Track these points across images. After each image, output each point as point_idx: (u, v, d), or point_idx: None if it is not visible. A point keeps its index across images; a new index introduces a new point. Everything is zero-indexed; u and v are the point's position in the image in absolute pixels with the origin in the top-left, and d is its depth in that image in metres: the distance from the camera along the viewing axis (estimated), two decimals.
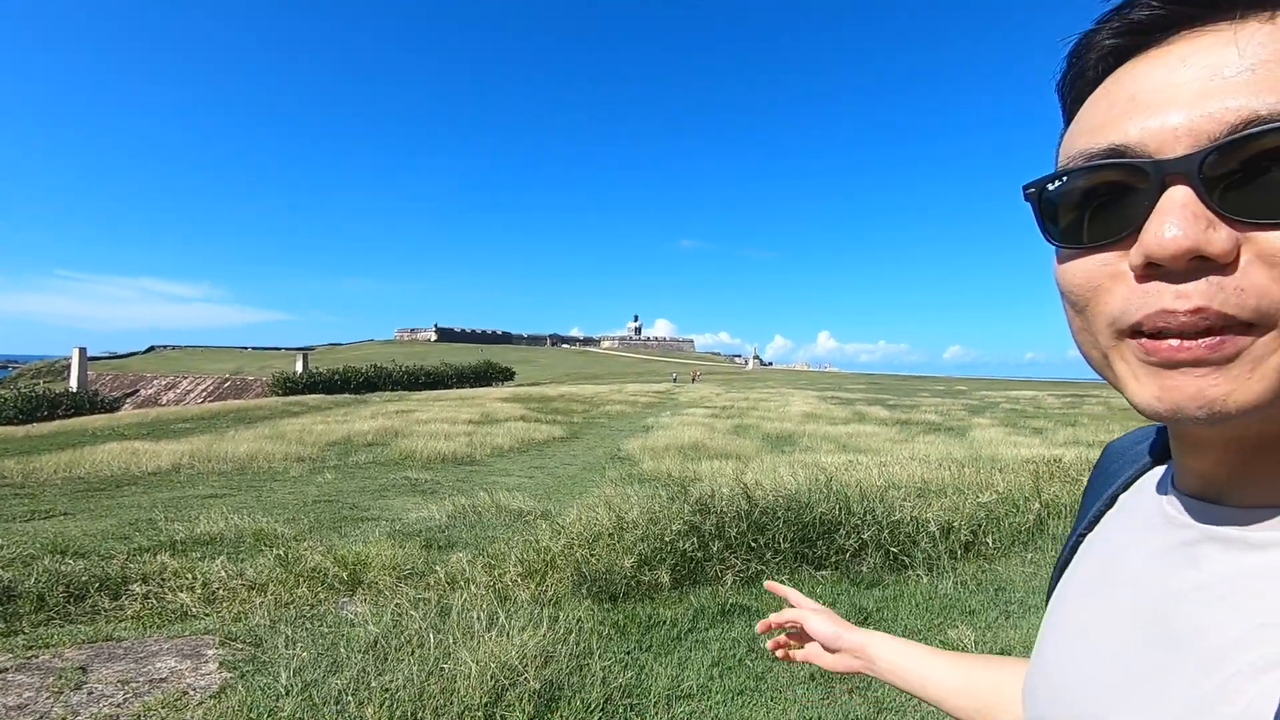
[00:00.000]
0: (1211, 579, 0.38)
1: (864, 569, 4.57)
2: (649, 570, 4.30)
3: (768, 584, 0.97)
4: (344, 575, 4.30)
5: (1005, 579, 4.46)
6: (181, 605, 3.89)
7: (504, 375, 54.18)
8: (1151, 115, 0.36)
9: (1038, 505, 5.59)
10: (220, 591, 4.05)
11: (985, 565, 4.74)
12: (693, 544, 4.48)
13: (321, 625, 3.58)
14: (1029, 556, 4.90)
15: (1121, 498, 0.54)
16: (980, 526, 5.20)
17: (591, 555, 4.38)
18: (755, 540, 4.59)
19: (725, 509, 4.78)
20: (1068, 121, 0.43)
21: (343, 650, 3.12)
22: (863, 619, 3.84)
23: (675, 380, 56.09)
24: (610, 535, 4.63)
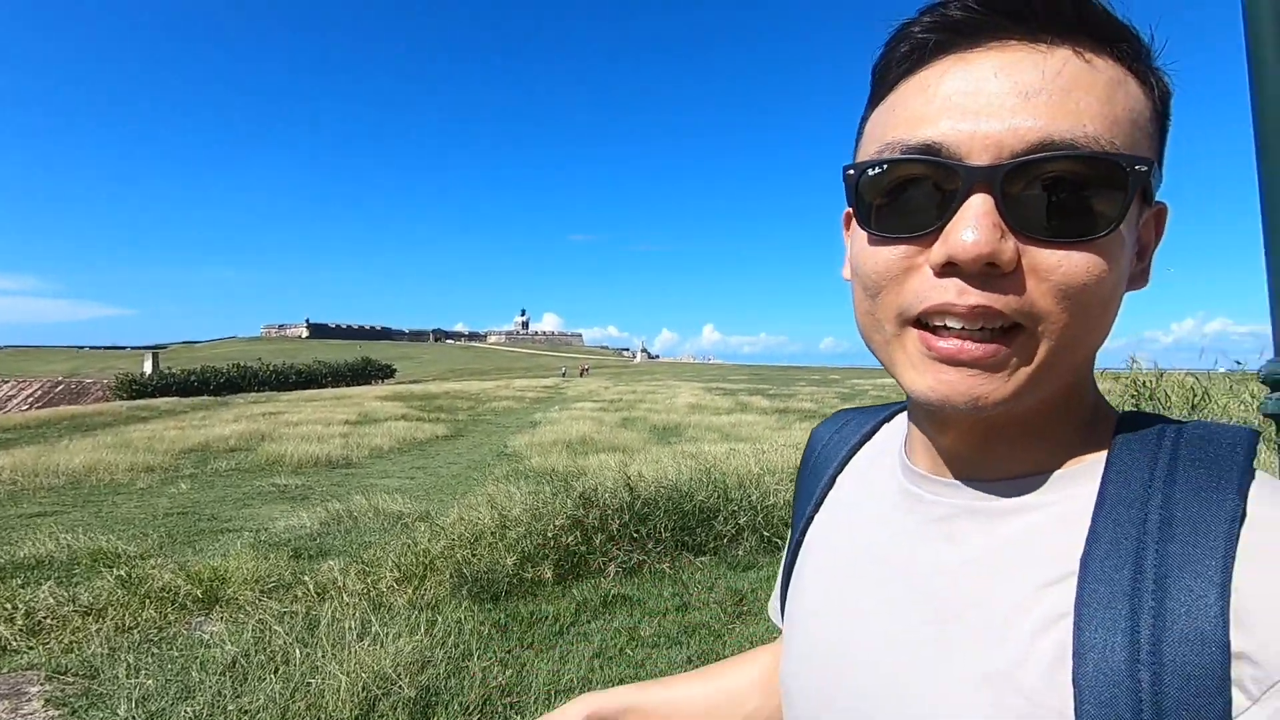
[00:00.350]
0: (975, 551, 0.41)
1: (740, 552, 4.77)
2: (532, 567, 4.28)
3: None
4: (198, 593, 3.97)
5: None
6: None
7: (384, 373, 51.80)
8: (964, 119, 0.37)
9: None
10: (47, 621, 3.63)
11: None
12: (576, 538, 4.50)
13: (171, 649, 3.30)
14: None
15: (839, 479, 0.57)
16: None
17: (473, 555, 4.30)
18: (637, 531, 4.68)
19: (608, 502, 4.83)
20: (874, 104, 0.44)
21: (195, 674, 2.89)
22: (738, 600, 4.01)
23: (564, 375, 55.90)
24: (493, 534, 4.56)
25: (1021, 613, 0.38)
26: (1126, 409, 0.46)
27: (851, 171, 0.42)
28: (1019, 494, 0.41)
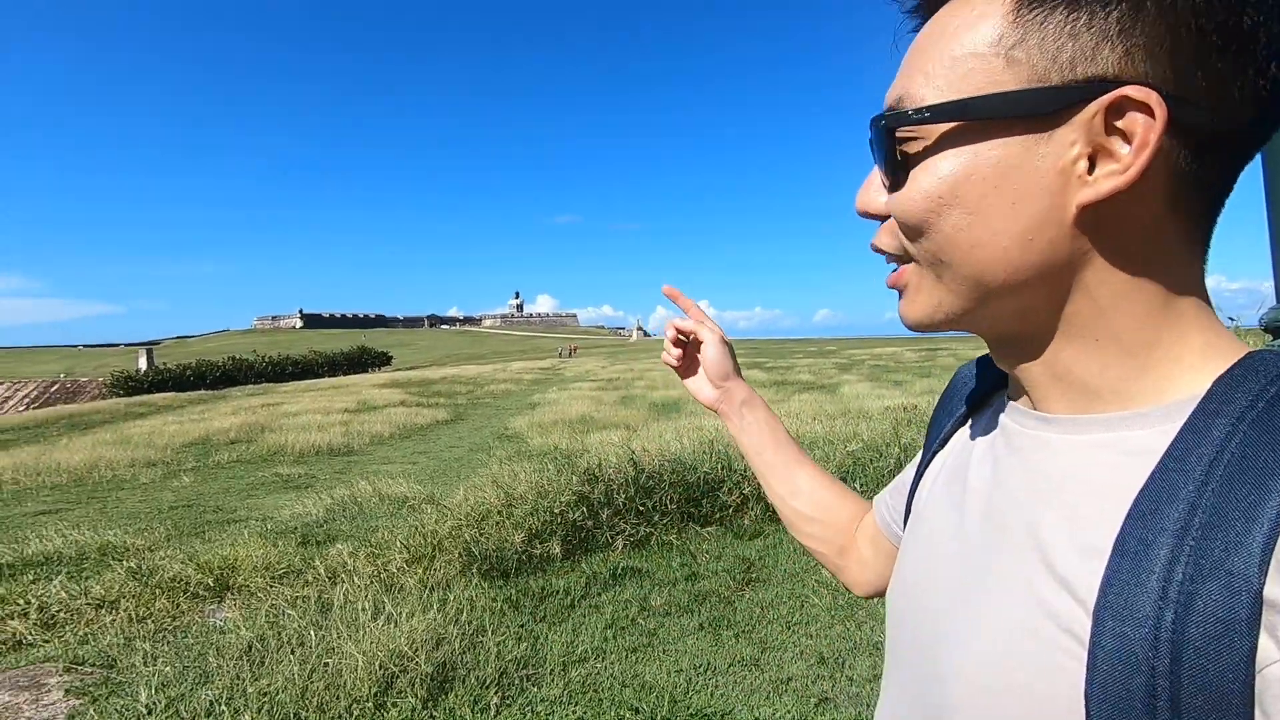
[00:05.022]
0: (1037, 478, 0.42)
1: (746, 522, 4.81)
2: (540, 543, 4.31)
3: (665, 288, 0.89)
4: (209, 582, 3.99)
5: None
6: (13, 634, 3.47)
7: (380, 360, 51.66)
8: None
9: (897, 449, 6.08)
10: (61, 614, 3.65)
11: None
12: (582, 513, 4.52)
13: (186, 637, 3.32)
14: None
15: (971, 417, 0.57)
16: (849, 473, 5.59)
17: (481, 534, 4.33)
18: (643, 504, 4.71)
19: (613, 477, 4.85)
20: None
21: (213, 659, 2.91)
22: (747, 567, 4.05)
23: (560, 354, 55.92)
24: (499, 513, 4.58)
25: (1069, 544, 0.38)
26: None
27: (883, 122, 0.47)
28: (1089, 431, 0.41)
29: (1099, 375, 0.41)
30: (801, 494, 0.79)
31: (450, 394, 19.91)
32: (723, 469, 5.17)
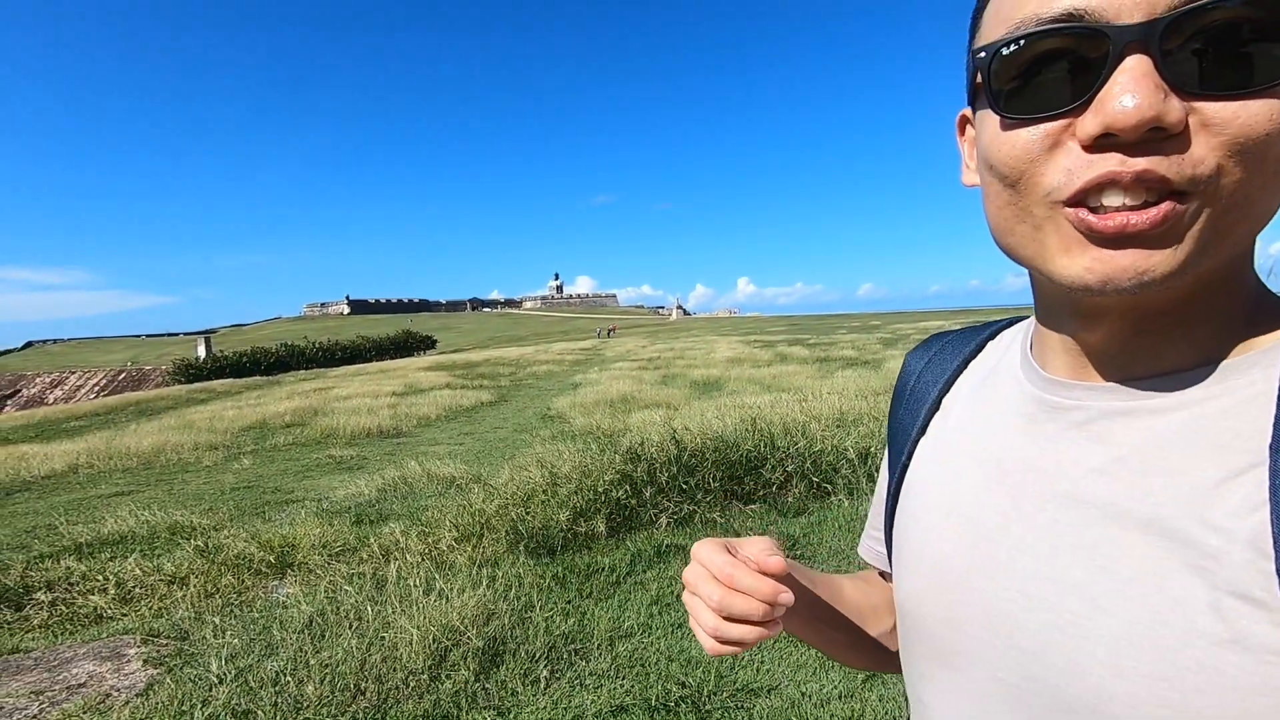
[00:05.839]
0: (1133, 450, 0.39)
1: (790, 499, 4.79)
2: (585, 521, 4.37)
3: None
4: (271, 559, 4.17)
5: None
6: (94, 608, 3.69)
7: (425, 344, 52.72)
8: None
9: None
10: (136, 590, 3.86)
11: None
12: (626, 492, 4.56)
13: (252, 611, 3.48)
14: None
15: (945, 403, 0.55)
16: None
17: (527, 513, 4.41)
18: (686, 482, 4.72)
19: (656, 456, 4.88)
20: None
21: (276, 632, 3.05)
22: (791, 545, 4.04)
23: (600, 335, 56.24)
24: (544, 492, 4.66)
25: (1203, 507, 0.36)
26: None
27: (982, 54, 0.40)
28: (1179, 388, 0.39)
29: (1223, 324, 0.40)
30: (863, 609, 0.66)
31: (493, 376, 20.21)
32: (765, 447, 5.15)
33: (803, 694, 2.56)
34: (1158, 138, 0.34)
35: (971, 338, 0.59)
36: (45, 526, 5.71)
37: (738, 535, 4.21)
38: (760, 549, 0.52)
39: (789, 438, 5.33)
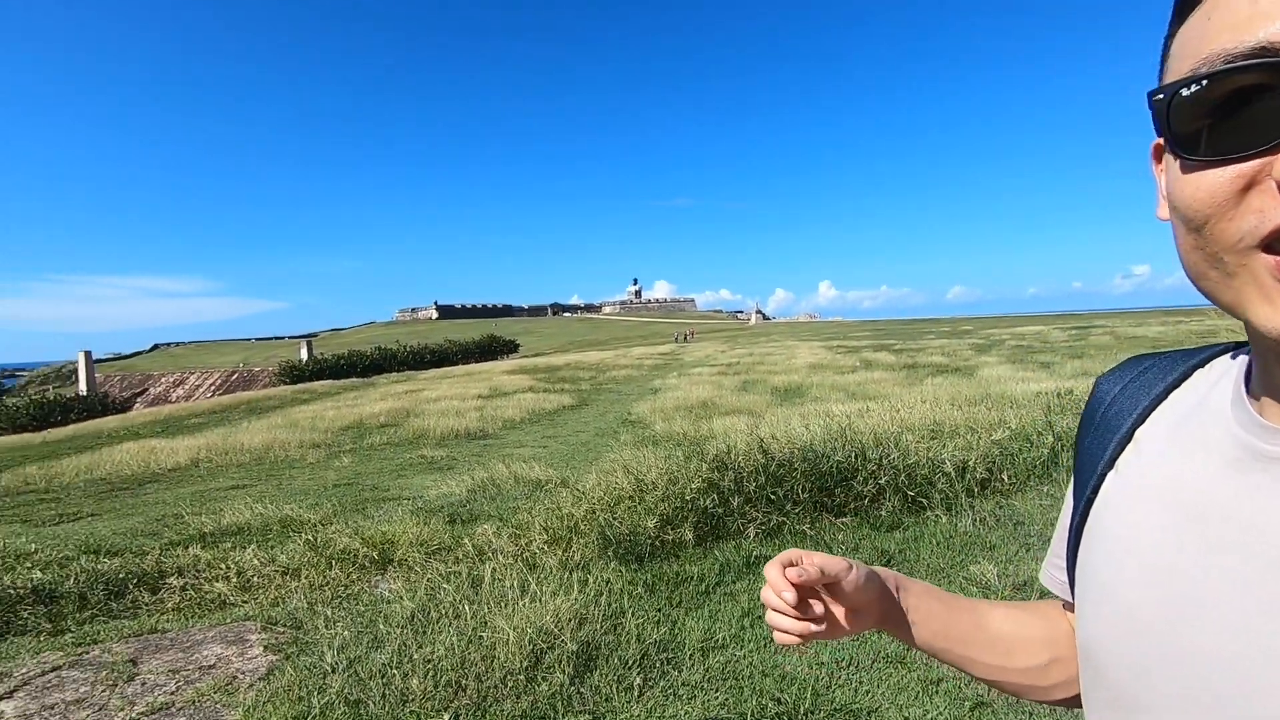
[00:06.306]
0: None
1: (883, 513, 4.63)
2: (672, 529, 4.37)
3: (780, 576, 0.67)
4: (374, 555, 4.38)
5: (1023, 513, 4.52)
6: (219, 594, 3.98)
7: (508, 348, 54.21)
8: None
9: (1050, 438, 5.62)
10: (255, 579, 4.14)
11: (1002, 501, 4.80)
12: (713, 500, 4.54)
13: (358, 604, 3.67)
14: (1045, 490, 4.95)
15: (1138, 435, 0.52)
16: (995, 463, 5.24)
17: (614, 518, 4.45)
18: (774, 493, 4.65)
19: (742, 464, 4.82)
20: (1181, 17, 0.40)
21: (382, 626, 3.20)
22: (885, 561, 3.91)
23: (677, 340, 56.28)
24: (631, 498, 4.69)
25: None
26: None
27: (1160, 96, 0.38)
28: None
29: None
30: (1011, 640, 0.65)
31: (574, 380, 20.55)
32: (856, 458, 5.00)
33: (905, 718, 2.46)
34: None
35: (1176, 365, 0.55)
36: (173, 516, 6.21)
37: (829, 549, 4.11)
38: (792, 556, 0.65)
39: (880, 448, 5.16)
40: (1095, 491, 0.53)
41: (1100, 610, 0.49)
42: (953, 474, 4.91)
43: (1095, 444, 0.55)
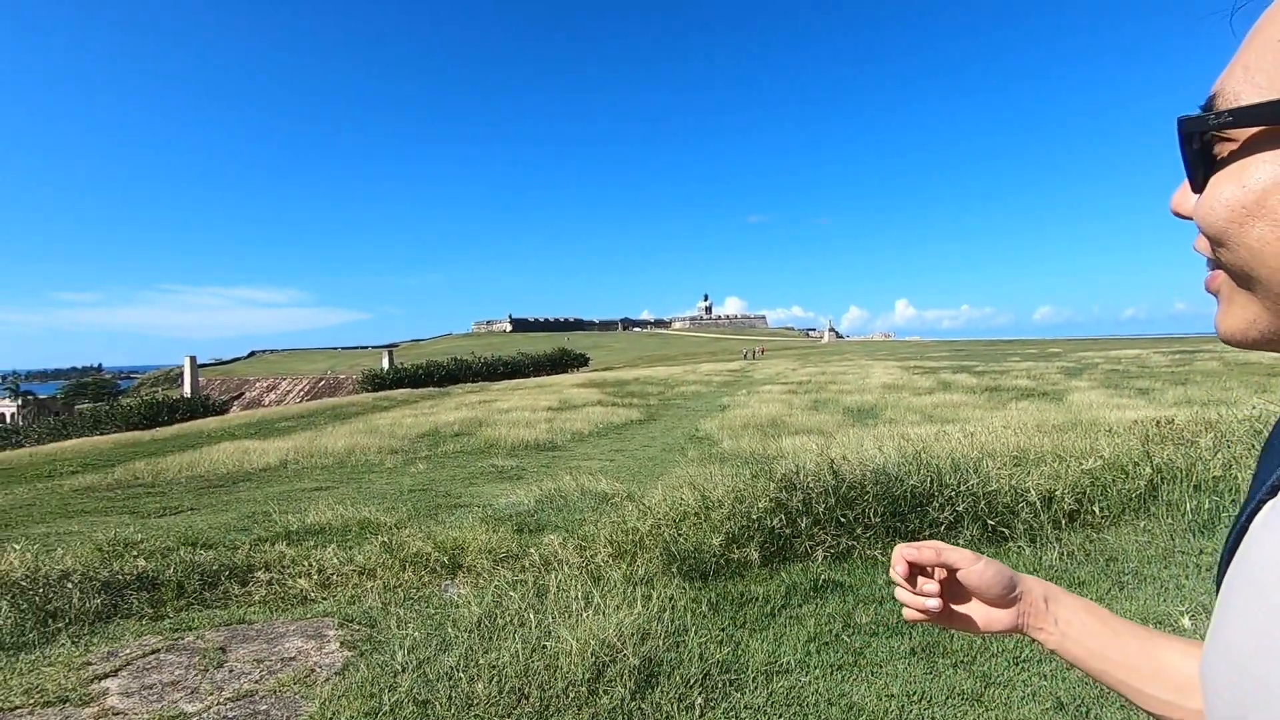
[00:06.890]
0: None
1: (960, 542, 4.42)
2: (738, 548, 4.31)
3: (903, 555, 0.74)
4: (444, 559, 4.51)
5: (1116, 549, 4.23)
6: (301, 590, 4.18)
7: (578, 361, 55.00)
8: None
9: (1149, 470, 5.24)
10: (334, 577, 4.33)
11: (1093, 535, 4.51)
12: (780, 521, 4.45)
13: (428, 607, 3.78)
14: (1141, 525, 4.62)
15: None
16: (1085, 494, 4.93)
17: (679, 535, 4.42)
18: (844, 515, 4.52)
19: (811, 485, 4.71)
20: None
21: (450, 630, 3.28)
22: None
23: (746, 356, 55.74)
24: (696, 515, 4.66)
25: None
26: None
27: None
28: None
29: None
30: (1186, 679, 0.62)
31: (643, 394, 20.64)
32: (932, 483, 4.81)
33: None
34: None
35: None
36: (262, 513, 6.58)
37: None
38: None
39: (958, 474, 4.94)
40: (1249, 519, 0.50)
41: (1214, 640, 0.47)
42: (1038, 504, 4.65)
43: (1264, 468, 0.53)
